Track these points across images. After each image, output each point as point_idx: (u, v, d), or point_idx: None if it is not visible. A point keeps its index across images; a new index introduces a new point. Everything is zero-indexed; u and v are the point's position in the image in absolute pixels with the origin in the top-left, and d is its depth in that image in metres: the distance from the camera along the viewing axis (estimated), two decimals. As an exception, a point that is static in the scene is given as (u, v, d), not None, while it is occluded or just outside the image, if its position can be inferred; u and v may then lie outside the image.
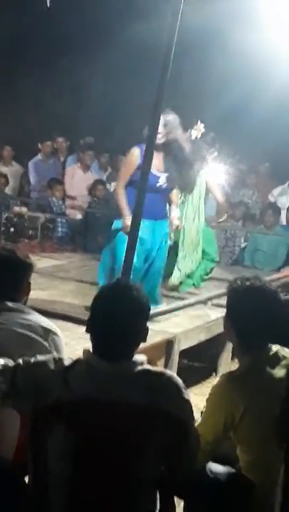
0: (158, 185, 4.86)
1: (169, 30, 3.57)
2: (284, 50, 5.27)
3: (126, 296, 2.26)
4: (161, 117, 4.28)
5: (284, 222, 8.81)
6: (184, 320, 4.96)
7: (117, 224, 4.96)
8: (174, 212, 5.25)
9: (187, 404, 2.22)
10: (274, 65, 6.03)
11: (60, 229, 8.91)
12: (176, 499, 2.43)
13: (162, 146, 4.80)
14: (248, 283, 2.57)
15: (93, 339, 2.25)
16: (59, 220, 8.95)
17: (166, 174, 4.93)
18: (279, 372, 2.50)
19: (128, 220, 4.39)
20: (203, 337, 4.89)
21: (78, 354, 2.48)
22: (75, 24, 10.57)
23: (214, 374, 5.06)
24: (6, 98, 10.91)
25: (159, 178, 4.87)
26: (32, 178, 10.00)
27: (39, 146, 10.11)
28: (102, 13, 9.93)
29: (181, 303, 5.03)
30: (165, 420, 2.14)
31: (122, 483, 2.11)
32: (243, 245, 8.72)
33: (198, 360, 5.26)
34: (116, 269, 4.74)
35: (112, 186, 9.94)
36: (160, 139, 4.63)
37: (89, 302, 4.58)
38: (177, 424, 2.17)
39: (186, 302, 4.99)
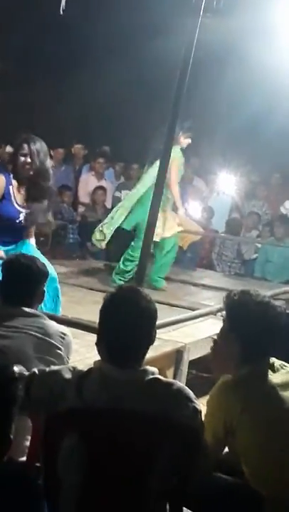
0: (17, 221, 4.37)
1: (186, 45, 3.59)
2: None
3: (133, 303, 2.29)
4: (25, 147, 4.20)
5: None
6: (193, 330, 4.96)
7: None
8: None
9: (198, 415, 2.23)
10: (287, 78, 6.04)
11: (70, 235, 8.94)
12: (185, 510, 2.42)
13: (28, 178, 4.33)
14: (247, 295, 2.60)
15: (104, 348, 2.27)
16: (70, 226, 8.98)
17: (26, 211, 4.38)
18: (278, 377, 2.53)
19: None
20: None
21: (88, 362, 2.49)
22: (89, 35, 10.63)
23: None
24: (21, 106, 10.98)
25: (20, 213, 4.37)
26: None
27: (51, 152, 10.15)
28: (119, 25, 9.98)
29: (192, 313, 5.02)
30: (176, 430, 2.15)
31: (132, 494, 2.11)
32: (253, 257, 8.72)
33: (207, 371, 5.25)
34: None
35: (122, 195, 9.99)
36: (28, 170, 4.27)
37: (97, 309, 4.61)
38: (188, 434, 2.17)
39: (196, 313, 4.97)
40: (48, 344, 2.77)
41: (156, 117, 7.47)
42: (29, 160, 4.25)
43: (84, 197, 9.77)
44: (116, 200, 9.93)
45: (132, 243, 6.49)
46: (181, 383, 2.31)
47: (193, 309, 5.42)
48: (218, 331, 3.93)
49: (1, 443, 1.28)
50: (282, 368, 2.58)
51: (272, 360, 2.60)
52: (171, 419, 2.15)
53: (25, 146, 4.27)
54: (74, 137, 10.88)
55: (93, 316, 4.40)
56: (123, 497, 2.11)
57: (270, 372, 2.54)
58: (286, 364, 2.62)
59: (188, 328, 4.95)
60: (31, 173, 4.28)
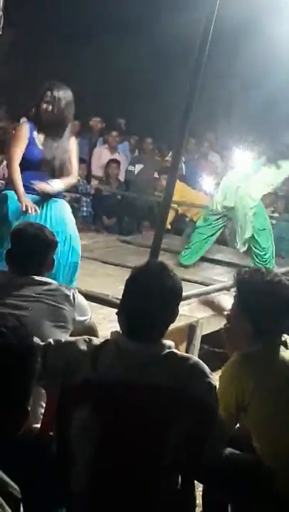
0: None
1: (206, 18, 3.56)
2: None
3: (160, 279, 2.27)
4: (50, 93, 4.30)
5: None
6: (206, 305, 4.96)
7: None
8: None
9: (213, 390, 2.23)
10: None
11: (84, 208, 8.94)
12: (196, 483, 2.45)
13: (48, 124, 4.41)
14: (257, 273, 2.61)
15: (124, 320, 2.26)
16: (84, 199, 8.97)
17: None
18: None
19: (24, 197, 4.25)
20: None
21: (102, 335, 2.49)
22: (105, 7, 10.51)
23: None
24: (36, 77, 10.91)
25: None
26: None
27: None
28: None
29: (205, 288, 5.02)
30: (191, 404, 2.15)
31: (145, 467, 2.12)
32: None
33: (219, 346, 5.26)
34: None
35: (136, 168, 9.95)
36: (50, 115, 4.34)
37: (110, 282, 4.62)
38: (202, 408, 2.18)
39: (211, 288, 4.97)
40: (61, 309, 2.81)
41: (172, 92, 7.42)
42: (51, 107, 4.34)
43: (97, 170, 9.72)
44: (129, 174, 9.92)
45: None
46: (196, 358, 2.31)
47: (206, 284, 5.42)
48: (229, 307, 3.93)
49: (19, 416, 1.29)
50: None
51: (285, 337, 2.60)
52: (186, 393, 2.14)
53: (49, 93, 4.35)
54: (91, 110, 10.81)
55: (105, 289, 4.47)
56: (136, 470, 2.12)
57: (282, 348, 2.54)
58: None
59: (198, 304, 4.96)
60: (51, 118, 4.35)
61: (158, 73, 11.02)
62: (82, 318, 2.94)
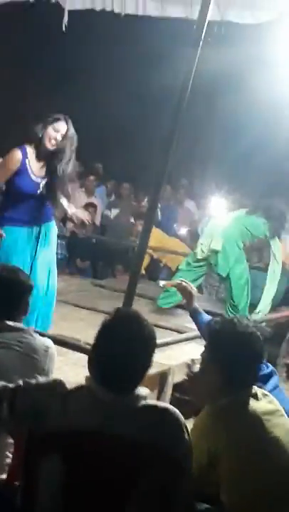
0: (38, 192, 4.48)
1: (185, 73, 3.63)
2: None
3: (132, 327, 2.23)
4: (65, 126, 4.37)
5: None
6: (177, 352, 4.92)
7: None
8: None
9: (187, 445, 2.19)
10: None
11: (59, 251, 8.89)
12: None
13: (49, 153, 4.45)
14: (234, 325, 2.59)
15: (97, 369, 2.20)
16: (59, 241, 8.93)
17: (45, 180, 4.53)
18: (261, 406, 2.51)
19: None
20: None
21: (71, 381, 2.44)
22: (90, 52, 10.66)
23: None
24: (13, 116, 10.97)
25: (39, 184, 4.48)
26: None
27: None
28: (116, 50, 10.03)
29: (180, 336, 4.98)
30: (163, 459, 2.10)
31: None
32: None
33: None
34: None
35: (112, 213, 9.99)
36: (53, 145, 4.40)
37: (82, 326, 4.56)
38: (175, 464, 2.13)
39: (184, 336, 4.94)
40: (31, 359, 2.74)
41: (150, 138, 7.50)
42: (59, 138, 4.37)
43: (73, 213, 9.74)
44: (105, 218, 9.94)
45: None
46: (173, 408, 2.24)
47: (178, 331, 5.39)
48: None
49: None
50: (264, 396, 2.57)
51: (255, 389, 2.58)
52: (159, 447, 2.10)
53: (63, 124, 4.40)
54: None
55: (77, 334, 4.41)
56: None
57: (252, 400, 2.52)
58: (267, 393, 2.61)
59: (172, 351, 4.91)
60: (52, 149, 4.38)
61: (138, 119, 11.15)
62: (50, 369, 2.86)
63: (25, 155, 4.38)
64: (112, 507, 2.07)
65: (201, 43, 3.61)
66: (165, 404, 2.33)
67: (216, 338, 2.58)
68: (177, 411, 2.24)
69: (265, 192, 10.08)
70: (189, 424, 2.53)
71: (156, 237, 7.47)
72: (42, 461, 2.10)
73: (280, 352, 5.68)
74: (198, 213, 9.97)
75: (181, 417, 2.22)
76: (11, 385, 2.23)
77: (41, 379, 2.28)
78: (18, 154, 4.37)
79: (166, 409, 2.22)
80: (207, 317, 3.65)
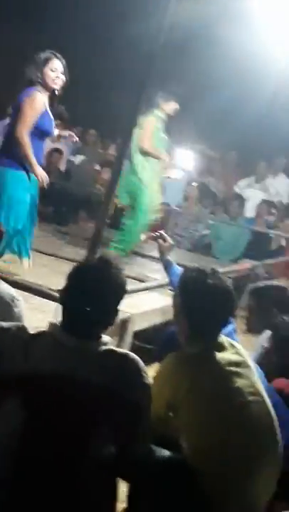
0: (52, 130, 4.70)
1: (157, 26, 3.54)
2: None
3: (105, 275, 2.21)
4: (60, 63, 4.49)
5: (247, 214, 8.88)
6: (137, 301, 4.94)
7: (14, 174, 4.54)
8: None
9: (146, 388, 2.21)
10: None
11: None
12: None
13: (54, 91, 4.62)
14: (202, 275, 2.59)
15: (64, 314, 2.19)
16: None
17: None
18: (227, 356, 2.53)
19: (40, 169, 4.46)
20: (157, 320, 4.89)
21: (33, 326, 2.44)
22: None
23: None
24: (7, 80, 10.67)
25: (53, 122, 4.68)
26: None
27: (9, 110, 9.93)
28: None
29: (143, 285, 5.00)
30: (123, 402, 2.13)
31: (70, 463, 2.07)
32: (204, 232, 8.75)
33: (149, 343, 5.27)
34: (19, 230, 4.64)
35: (77, 159, 9.85)
36: (58, 84, 4.57)
37: (44, 272, 4.54)
38: (134, 407, 2.16)
39: (147, 285, 4.95)
40: (2, 306, 2.71)
41: (120, 86, 7.35)
42: (60, 76, 4.50)
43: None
44: (70, 165, 9.81)
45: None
46: (133, 355, 2.26)
47: (140, 280, 5.41)
48: (164, 304, 3.95)
49: None
50: (231, 347, 2.59)
51: (222, 338, 2.60)
52: (118, 392, 2.11)
53: (57, 61, 4.50)
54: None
55: (39, 279, 4.38)
56: (61, 466, 2.07)
57: (219, 350, 2.53)
58: (235, 343, 2.63)
59: (132, 299, 4.92)
60: (58, 87, 4.55)
61: (108, 70, 10.93)
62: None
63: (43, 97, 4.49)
64: (71, 450, 2.08)
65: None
66: (125, 350, 2.34)
67: (187, 286, 2.59)
68: (137, 357, 2.26)
69: (229, 142, 10.08)
70: (149, 371, 2.56)
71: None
72: (1, 403, 2.09)
73: (240, 304, 5.74)
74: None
75: (141, 363, 2.24)
76: None
77: (3, 323, 2.25)
78: (39, 95, 4.46)
79: (126, 355, 2.24)
80: (179, 269, 3.69)
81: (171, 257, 4.00)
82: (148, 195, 6.09)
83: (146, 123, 5.85)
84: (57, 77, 4.49)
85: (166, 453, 2.44)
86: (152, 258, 6.99)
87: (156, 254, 7.10)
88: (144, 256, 6.97)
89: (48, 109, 4.56)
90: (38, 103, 4.44)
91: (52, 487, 2.07)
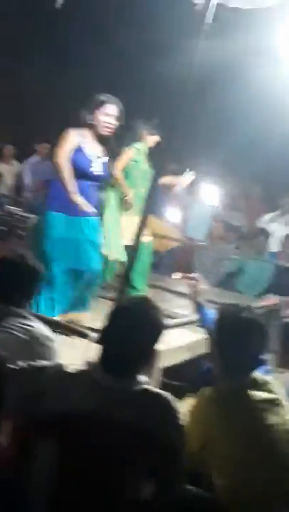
0: (90, 170, 4.48)
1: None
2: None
3: (144, 315, 2.27)
4: (115, 108, 4.37)
5: (271, 249, 8.90)
6: (167, 337, 4.95)
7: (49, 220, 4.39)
8: None
9: (181, 429, 2.25)
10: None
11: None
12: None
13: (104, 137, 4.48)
14: (237, 312, 2.67)
15: (102, 352, 2.24)
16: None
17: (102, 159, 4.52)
18: (259, 393, 2.57)
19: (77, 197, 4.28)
20: (185, 356, 4.91)
21: (68, 363, 2.49)
22: (78, 34, 10.54)
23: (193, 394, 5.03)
24: (8, 97, 10.87)
25: (92, 162, 4.48)
26: (26, 178, 10.02)
27: (36, 147, 10.13)
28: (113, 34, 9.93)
29: (171, 322, 5.03)
30: (157, 442, 2.16)
31: (105, 503, 2.11)
32: (227, 270, 8.77)
33: (178, 379, 5.28)
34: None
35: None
36: (109, 132, 4.43)
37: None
38: (168, 447, 2.19)
39: (177, 321, 4.97)
40: (31, 347, 2.74)
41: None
42: (113, 121, 4.39)
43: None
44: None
45: None
46: (168, 395, 2.29)
47: (169, 317, 5.42)
48: (192, 340, 4.00)
49: None
50: (264, 383, 2.62)
51: (256, 374, 2.63)
52: (154, 433, 2.14)
53: (112, 106, 4.38)
54: (58, 133, 10.79)
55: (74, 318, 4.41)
56: (97, 506, 2.10)
57: (251, 388, 2.57)
58: (268, 379, 2.66)
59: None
60: (107, 133, 4.42)
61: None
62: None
63: (79, 133, 4.41)
64: (107, 491, 2.11)
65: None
66: (159, 390, 2.38)
67: (220, 322, 2.66)
68: (171, 397, 2.29)
69: (253, 178, 10.13)
70: (182, 406, 2.59)
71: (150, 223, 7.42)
72: (37, 443, 2.14)
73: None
74: (188, 198, 9.98)
75: (175, 403, 2.27)
76: (12, 367, 2.26)
77: (41, 362, 2.31)
78: (72, 132, 4.39)
79: (160, 395, 2.27)
80: (211, 311, 3.75)
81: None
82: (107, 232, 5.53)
83: (124, 154, 5.68)
84: (109, 123, 4.41)
85: (199, 492, 2.47)
86: (179, 293, 7.02)
87: (181, 289, 7.17)
88: (170, 291, 7.00)
89: (88, 147, 4.44)
90: (68, 140, 4.37)
91: None
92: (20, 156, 10.43)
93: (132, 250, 3.91)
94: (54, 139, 10.25)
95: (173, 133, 5.74)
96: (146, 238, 5.90)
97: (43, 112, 10.99)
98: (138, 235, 3.86)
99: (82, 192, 4.39)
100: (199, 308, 4.00)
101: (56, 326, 3.47)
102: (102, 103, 4.40)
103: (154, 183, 4.08)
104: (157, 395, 2.26)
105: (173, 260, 8.86)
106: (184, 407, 2.51)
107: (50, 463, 2.12)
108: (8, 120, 10.26)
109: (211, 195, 9.46)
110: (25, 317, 2.82)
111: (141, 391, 2.22)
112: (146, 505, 2.20)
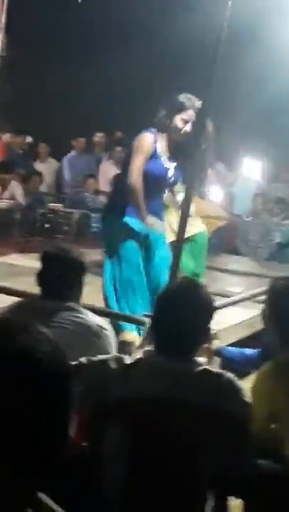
0: (167, 178, 4.31)
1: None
2: None
3: (194, 295, 2.27)
4: (193, 114, 4.12)
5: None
6: (221, 316, 4.90)
7: (132, 223, 4.22)
8: None
9: (247, 407, 2.22)
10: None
11: (94, 224, 8.94)
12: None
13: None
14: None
15: (157, 337, 2.25)
16: (93, 215, 8.98)
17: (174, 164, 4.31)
18: None
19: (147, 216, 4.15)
20: (244, 334, 4.86)
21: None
22: (109, 19, 10.53)
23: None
24: (39, 95, 10.94)
25: (168, 170, 4.29)
26: (66, 174, 10.09)
27: (72, 142, 10.18)
28: (139, 8, 9.87)
29: (228, 300, 4.96)
30: (226, 422, 2.14)
31: (179, 484, 2.10)
32: (278, 240, 8.67)
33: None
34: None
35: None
36: (182, 138, 4.20)
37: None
38: (238, 425, 2.16)
39: (231, 299, 4.90)
40: (87, 339, 2.70)
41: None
42: (189, 127, 4.17)
43: (104, 185, 9.75)
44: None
45: None
46: (229, 374, 2.28)
47: (220, 295, 5.37)
48: (249, 317, 3.90)
49: (62, 443, 1.23)
50: None
51: None
52: (219, 410, 2.14)
53: (191, 112, 4.17)
54: (93, 126, 10.82)
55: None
56: (171, 488, 2.09)
57: None
58: None
59: (217, 315, 4.87)
60: (181, 140, 4.21)
61: (158, 86, 11.04)
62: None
63: (156, 139, 4.19)
64: (180, 472, 2.10)
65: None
66: (220, 371, 2.36)
67: (274, 294, 2.64)
68: (232, 375, 2.28)
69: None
70: (245, 383, 2.56)
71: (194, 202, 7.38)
72: (106, 431, 2.14)
73: None
74: (230, 175, 9.87)
75: (236, 381, 2.26)
76: (73, 363, 2.25)
77: (102, 356, 2.31)
78: (149, 138, 4.17)
79: (222, 374, 2.26)
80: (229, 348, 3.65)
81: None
82: None
83: None
84: (185, 129, 4.19)
85: (271, 465, 2.42)
86: (229, 271, 6.97)
87: (232, 267, 7.12)
88: (220, 270, 6.95)
89: (164, 153, 4.26)
90: (146, 146, 4.16)
91: (163, 509, 2.09)
92: (55, 153, 10.50)
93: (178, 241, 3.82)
94: (85, 132, 10.29)
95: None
96: (201, 227, 5.82)
97: (70, 109, 11.03)
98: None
99: (156, 213, 4.32)
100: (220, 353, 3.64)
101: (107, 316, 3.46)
102: (182, 108, 4.17)
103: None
104: (218, 374, 2.25)
105: (220, 239, 8.79)
106: (246, 385, 2.47)
107: (121, 452, 2.10)
108: (38, 119, 10.31)
109: (254, 170, 9.37)
110: (76, 310, 2.78)
111: (202, 371, 2.21)
112: (221, 483, 2.17)
